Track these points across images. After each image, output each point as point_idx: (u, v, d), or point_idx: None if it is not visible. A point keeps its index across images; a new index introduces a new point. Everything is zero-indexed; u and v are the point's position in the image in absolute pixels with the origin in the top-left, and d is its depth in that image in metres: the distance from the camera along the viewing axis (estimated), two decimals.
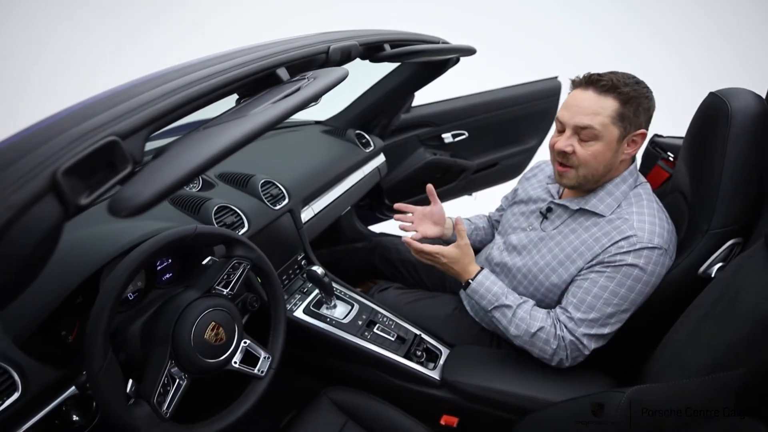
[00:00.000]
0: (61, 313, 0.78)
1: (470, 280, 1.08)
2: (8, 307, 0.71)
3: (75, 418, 0.75)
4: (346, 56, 0.86)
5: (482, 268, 1.10)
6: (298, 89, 0.56)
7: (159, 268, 0.97)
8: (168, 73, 0.50)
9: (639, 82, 0.97)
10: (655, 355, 0.94)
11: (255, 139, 0.45)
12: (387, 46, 1.03)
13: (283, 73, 0.67)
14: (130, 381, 0.74)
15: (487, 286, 1.07)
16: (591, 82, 0.97)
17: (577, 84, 1.01)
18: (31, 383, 0.68)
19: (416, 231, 1.26)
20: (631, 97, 0.94)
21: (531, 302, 1.06)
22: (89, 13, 3.65)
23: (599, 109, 0.95)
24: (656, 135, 1.42)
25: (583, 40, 4.13)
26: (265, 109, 0.48)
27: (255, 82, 0.62)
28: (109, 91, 0.43)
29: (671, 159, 1.33)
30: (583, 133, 0.97)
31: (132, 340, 0.77)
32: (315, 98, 0.55)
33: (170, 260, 0.99)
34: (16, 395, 0.66)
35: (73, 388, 0.74)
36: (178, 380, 0.76)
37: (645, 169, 1.40)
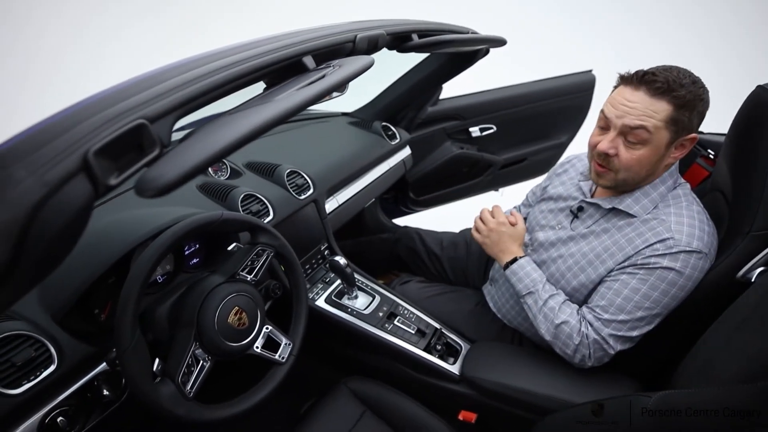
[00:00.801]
0: (95, 292, 0.82)
1: (517, 257, 1.10)
2: (48, 287, 0.75)
3: (105, 392, 0.78)
4: (373, 45, 0.85)
5: (525, 254, 1.12)
6: (322, 77, 0.56)
7: (187, 252, 1.00)
8: (196, 60, 0.50)
9: (695, 81, 0.89)
10: (686, 361, 0.90)
11: (278, 125, 0.46)
12: (415, 36, 1.02)
13: (309, 61, 0.66)
14: (157, 360, 0.76)
15: (527, 270, 1.08)
16: (644, 81, 0.88)
17: (627, 81, 0.91)
18: (66, 357, 0.71)
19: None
20: (688, 101, 0.86)
21: (564, 296, 1.04)
22: (87, 10, 3.71)
23: (651, 112, 0.87)
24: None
25: (583, 39, 4.02)
26: (289, 96, 0.48)
27: (281, 69, 0.62)
28: (138, 77, 0.45)
29: (711, 156, 1.26)
30: (631, 134, 0.89)
31: (159, 321, 0.80)
32: (339, 86, 0.55)
33: (197, 245, 1.02)
34: (52, 368, 0.70)
35: (104, 364, 0.78)
36: (201, 361, 0.78)
37: (683, 167, 1.33)
